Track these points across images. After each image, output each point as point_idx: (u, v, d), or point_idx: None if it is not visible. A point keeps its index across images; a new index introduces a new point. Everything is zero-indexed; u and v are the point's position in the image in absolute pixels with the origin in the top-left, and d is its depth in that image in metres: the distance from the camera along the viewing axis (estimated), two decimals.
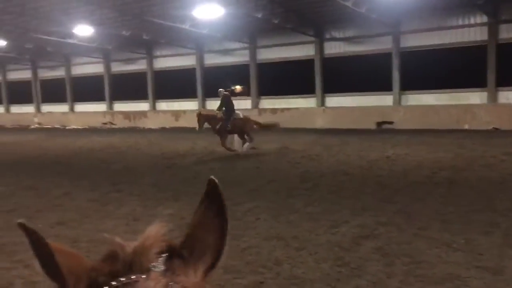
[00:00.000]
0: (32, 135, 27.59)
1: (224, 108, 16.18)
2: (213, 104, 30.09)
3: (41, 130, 33.28)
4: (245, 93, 30.78)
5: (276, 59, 27.49)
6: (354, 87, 25.19)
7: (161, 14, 22.75)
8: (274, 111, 27.19)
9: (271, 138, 20.45)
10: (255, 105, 28.38)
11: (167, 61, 31.85)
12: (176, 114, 30.89)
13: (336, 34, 25.88)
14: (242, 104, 28.95)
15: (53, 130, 32.97)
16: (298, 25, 24.82)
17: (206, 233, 0.90)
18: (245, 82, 29.48)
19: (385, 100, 24.65)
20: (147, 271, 0.79)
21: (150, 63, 32.44)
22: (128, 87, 33.98)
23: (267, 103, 28.19)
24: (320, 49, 26.18)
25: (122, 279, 0.78)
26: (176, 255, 0.84)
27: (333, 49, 25.99)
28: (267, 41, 27.56)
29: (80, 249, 6.53)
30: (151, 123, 31.34)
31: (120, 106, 34.42)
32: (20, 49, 32.87)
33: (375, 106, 24.51)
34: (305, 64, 26.56)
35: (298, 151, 16.17)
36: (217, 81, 30.04)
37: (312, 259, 5.78)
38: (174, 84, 31.62)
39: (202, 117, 16.30)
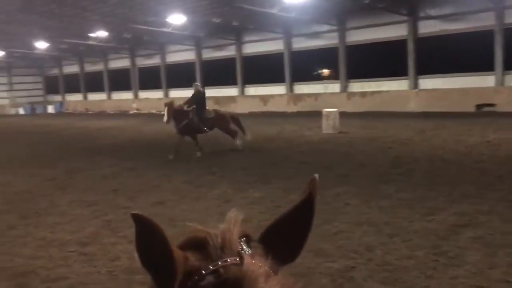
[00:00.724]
0: (131, 120, 29.40)
1: (194, 106, 14.13)
2: (301, 88, 30.10)
3: (138, 115, 35.35)
4: (332, 77, 30.36)
5: (366, 40, 26.63)
6: (451, 68, 23.70)
7: (250, 0, 22.99)
8: (363, 94, 26.49)
9: (360, 122, 20.00)
10: (344, 89, 27.84)
11: (255, 47, 32.18)
12: (264, 98, 31.22)
13: (432, 12, 24.43)
14: (330, 88, 28.63)
15: (150, 115, 34.86)
16: (390, 4, 23.81)
17: (289, 228, 0.90)
18: (333, 65, 29.00)
19: (485, 81, 22.95)
20: (238, 254, 0.81)
21: (239, 49, 32.99)
22: (218, 73, 34.90)
23: (356, 86, 27.51)
24: (414, 28, 24.92)
25: (218, 262, 0.80)
26: (252, 241, 0.87)
27: (428, 28, 24.59)
28: (357, 22, 26.76)
29: (176, 228, 6.91)
30: (240, 107, 31.93)
31: (211, 92, 35.35)
32: (119, 39, 34.97)
33: (474, 88, 22.90)
34: (397, 45, 25.44)
35: (388, 136, 15.65)
36: (305, 64, 29.93)
37: (405, 246, 5.62)
38: (262, 69, 31.90)
39: (170, 110, 13.82)
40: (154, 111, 37.14)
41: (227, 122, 14.27)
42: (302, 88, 30.09)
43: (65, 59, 46.09)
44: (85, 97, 46.08)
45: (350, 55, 27.53)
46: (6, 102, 47.33)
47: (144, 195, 9.15)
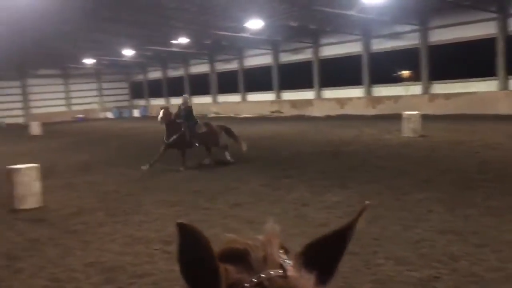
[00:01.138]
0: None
1: (182, 120, 13.65)
2: (380, 91, 29.32)
3: (217, 119, 36.27)
4: (412, 79, 29.29)
5: (450, 40, 25.37)
6: None
7: (327, 2, 22.82)
8: (447, 96, 25.26)
9: (444, 125, 19.10)
10: (425, 91, 26.72)
11: (332, 49, 31.85)
12: (342, 101, 30.80)
13: None
14: (410, 90, 27.61)
15: (227, 118, 35.67)
16: (477, 1, 22.53)
17: (328, 249, 0.89)
18: (414, 67, 27.96)
19: None
20: (281, 266, 0.79)
21: (316, 52, 32.81)
22: (294, 76, 34.96)
23: (439, 88, 26.29)
24: (504, 26, 23.36)
25: (262, 275, 0.77)
26: (291, 254, 0.85)
27: None
28: (441, 21, 25.58)
29: (254, 230, 7.00)
30: (317, 111, 31.78)
31: (287, 95, 35.63)
32: (200, 45, 36.19)
33: None
34: (485, 44, 23.97)
35: (475, 140, 14.81)
36: (384, 66, 29.12)
37: (495, 257, 5.29)
38: (339, 72, 31.48)
39: (167, 116, 13.44)
40: (232, 115, 37.98)
41: (218, 137, 13.81)
42: (381, 91, 29.29)
43: (149, 65, 48.47)
44: (167, 101, 48.15)
45: (433, 56, 26.38)
46: (96, 106, 50.64)
47: (222, 196, 9.39)
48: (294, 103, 34.22)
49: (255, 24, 26.28)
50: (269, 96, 36.71)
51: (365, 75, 29.86)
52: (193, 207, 8.64)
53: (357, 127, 21.18)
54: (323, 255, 0.87)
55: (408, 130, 16.84)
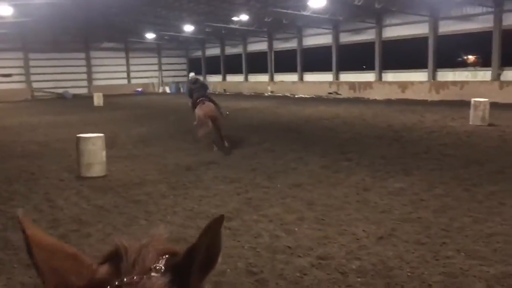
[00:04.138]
0: (267, 102, 30.18)
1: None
2: (445, 75, 28.06)
3: (273, 97, 36.15)
4: (478, 64, 27.84)
5: None
6: None
7: None
8: None
9: None
10: (496, 77, 25.25)
11: (396, 30, 30.65)
12: (403, 85, 29.73)
13: None
14: (479, 76, 26.23)
15: (283, 98, 35.45)
16: None
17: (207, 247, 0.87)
18: (484, 51, 26.45)
19: None
20: (148, 271, 0.83)
21: (379, 33, 31.70)
22: (354, 57, 34.06)
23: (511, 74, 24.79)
24: None
25: (124, 279, 0.81)
26: (176, 257, 0.87)
27: None
28: None
29: (315, 212, 6.92)
30: (376, 94, 30.90)
31: (346, 76, 34.83)
32: (259, 22, 35.92)
33: None
34: None
35: None
36: (451, 50, 27.79)
37: None
38: (403, 54, 30.34)
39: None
40: (288, 94, 37.71)
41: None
42: (447, 75, 27.99)
43: (208, 42, 48.78)
44: (224, 78, 48.43)
45: (506, 40, 24.81)
46: (155, 81, 51.75)
47: (281, 176, 9.32)
48: (352, 85, 33.43)
49: (317, 2, 25.68)
50: (327, 77, 36.04)
51: (430, 59, 28.58)
52: (252, 185, 8.63)
53: (420, 112, 20.39)
54: (193, 264, 0.85)
55: (475, 118, 16.00)
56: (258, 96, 38.71)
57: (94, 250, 5.37)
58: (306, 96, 35.65)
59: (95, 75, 47.91)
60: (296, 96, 36.50)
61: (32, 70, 44.17)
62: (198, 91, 13.29)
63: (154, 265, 0.84)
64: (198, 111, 12.55)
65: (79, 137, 9.75)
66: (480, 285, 4.42)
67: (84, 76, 47.56)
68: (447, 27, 27.69)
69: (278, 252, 5.34)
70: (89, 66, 47.63)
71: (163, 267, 0.84)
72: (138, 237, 0.92)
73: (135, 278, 0.82)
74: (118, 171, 10.12)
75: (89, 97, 36.58)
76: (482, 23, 25.82)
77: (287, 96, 37.20)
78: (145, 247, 0.87)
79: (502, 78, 25.04)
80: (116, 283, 0.82)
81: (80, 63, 47.03)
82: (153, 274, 0.83)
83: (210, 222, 0.88)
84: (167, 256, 0.87)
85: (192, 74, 14.76)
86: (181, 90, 50.13)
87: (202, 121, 12.35)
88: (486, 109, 16.05)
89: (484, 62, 27.32)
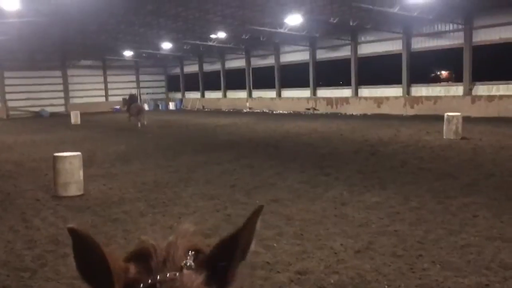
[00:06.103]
0: (245, 118, 30.32)
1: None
2: (419, 91, 28.73)
3: (252, 114, 36.34)
4: (451, 79, 28.62)
5: (496, 40, 24.57)
6: None
7: None
8: (491, 98, 24.48)
9: (487, 128, 18.53)
10: (468, 92, 25.96)
11: (371, 47, 31.36)
12: (379, 100, 30.30)
13: None
14: (452, 91, 26.91)
15: (262, 114, 35.68)
16: None
17: (229, 249, 0.89)
18: (456, 67, 27.23)
19: None
20: (180, 269, 0.82)
21: (354, 49, 32.36)
22: (331, 73, 34.62)
23: (482, 89, 25.51)
24: None
25: (157, 277, 0.81)
26: (204, 254, 0.88)
27: None
28: (487, 20, 24.79)
29: (294, 227, 6.97)
30: (353, 109, 31.39)
31: (323, 92, 35.32)
32: (237, 40, 36.23)
33: None
34: None
35: None
36: (424, 66, 28.51)
37: None
38: (378, 70, 31.00)
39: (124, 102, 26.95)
40: (266, 110, 37.96)
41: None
42: (421, 90, 28.67)
43: (186, 59, 48.92)
44: (203, 95, 48.49)
45: (476, 56, 25.60)
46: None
47: (260, 192, 9.36)
48: (330, 101, 33.91)
49: (293, 19, 26.08)
50: (304, 93, 36.47)
51: (404, 74, 29.27)
52: (231, 201, 8.65)
53: (395, 126, 20.80)
54: (225, 257, 0.87)
55: (449, 132, 16.41)
56: (237, 112, 38.86)
57: (71, 270, 5.30)
58: (284, 112, 35.94)
59: (72, 93, 47.42)
60: (274, 112, 36.76)
61: (8, 89, 43.54)
62: (133, 101, 26.94)
63: (184, 262, 0.84)
64: (133, 106, 26.18)
65: (56, 156, 9.65)
66: None
67: (61, 94, 47.02)
68: (420, 44, 28.46)
69: (257, 268, 5.37)
70: (66, 84, 47.14)
71: (193, 264, 0.84)
72: (164, 234, 0.92)
73: (168, 275, 0.81)
74: (96, 190, 10.02)
75: (66, 115, 36.17)
76: (453, 39, 26.63)
77: (265, 112, 37.45)
78: (173, 244, 0.87)
79: (474, 92, 25.76)
80: (150, 281, 0.81)
81: (57, 81, 46.52)
82: (184, 271, 0.82)
83: (250, 215, 0.88)
84: (193, 252, 0.87)
85: (132, 91, 22.48)
86: (160, 107, 49.98)
87: (134, 111, 25.80)
88: (459, 123, 16.47)
89: (456, 77, 28.08)
